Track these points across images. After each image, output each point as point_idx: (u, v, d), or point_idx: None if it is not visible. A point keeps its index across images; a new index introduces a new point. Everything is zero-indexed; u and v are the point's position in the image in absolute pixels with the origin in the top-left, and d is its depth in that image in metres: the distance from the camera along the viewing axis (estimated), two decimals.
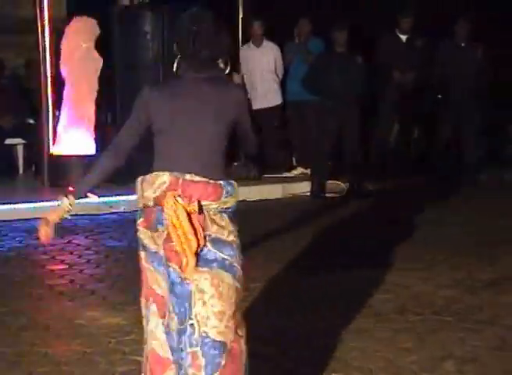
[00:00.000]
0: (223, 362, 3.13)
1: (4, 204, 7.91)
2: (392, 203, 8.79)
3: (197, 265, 3.13)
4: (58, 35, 9.00)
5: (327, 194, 9.13)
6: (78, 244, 6.93)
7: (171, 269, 3.17)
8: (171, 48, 9.70)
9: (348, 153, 9.02)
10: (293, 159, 9.99)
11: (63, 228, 7.46)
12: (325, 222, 7.84)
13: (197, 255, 3.13)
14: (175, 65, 3.45)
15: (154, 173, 3.30)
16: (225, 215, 3.31)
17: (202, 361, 3.13)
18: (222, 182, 3.31)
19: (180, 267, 3.14)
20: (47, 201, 8.06)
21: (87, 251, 6.68)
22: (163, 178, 3.25)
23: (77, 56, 8.88)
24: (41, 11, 8.68)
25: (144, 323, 3.37)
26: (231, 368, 3.15)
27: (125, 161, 3.46)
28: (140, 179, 3.34)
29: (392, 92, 9.68)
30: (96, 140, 8.92)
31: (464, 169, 9.73)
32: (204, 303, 3.14)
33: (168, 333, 3.23)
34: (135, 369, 4.23)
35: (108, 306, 5.23)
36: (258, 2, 9.72)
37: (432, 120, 9.80)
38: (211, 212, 3.25)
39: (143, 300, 3.39)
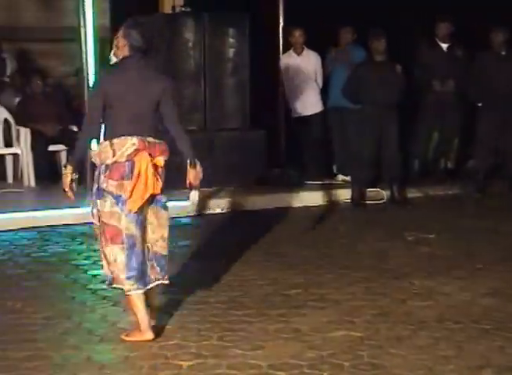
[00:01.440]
0: (166, 266, 4.89)
1: (48, 209, 8.02)
2: (431, 212, 8.77)
3: (148, 204, 4.72)
4: (101, 44, 9.12)
5: (367, 202, 9.13)
6: None
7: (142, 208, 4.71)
8: (212, 55, 9.97)
9: (388, 161, 9.02)
10: (334, 167, 10.01)
11: None
12: (365, 229, 7.85)
13: (152, 197, 4.71)
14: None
15: (122, 137, 4.62)
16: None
17: (157, 268, 4.85)
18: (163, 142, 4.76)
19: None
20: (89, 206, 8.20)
21: None
22: (133, 140, 4.63)
23: None
24: (85, 19, 8.80)
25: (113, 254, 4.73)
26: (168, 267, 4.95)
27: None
28: (107, 143, 4.66)
29: (432, 101, 9.66)
30: None
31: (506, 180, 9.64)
32: (153, 231, 4.81)
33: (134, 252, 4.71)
34: (178, 374, 4.30)
35: (151, 311, 5.28)
36: (299, 11, 9.77)
37: (471, 130, 9.74)
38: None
39: (114, 245, 4.72)
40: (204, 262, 6.58)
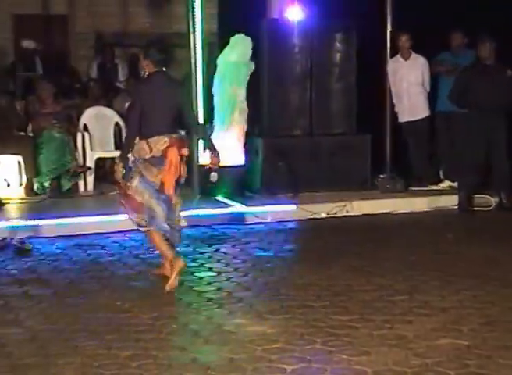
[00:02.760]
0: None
1: None
2: None
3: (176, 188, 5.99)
4: (209, 49, 9.25)
5: (475, 208, 8.95)
6: (225, 253, 7.08)
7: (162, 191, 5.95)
8: (319, 60, 9.97)
9: (496, 167, 8.82)
10: (440, 172, 9.85)
11: (212, 237, 7.68)
12: (473, 236, 7.70)
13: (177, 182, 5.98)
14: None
15: (155, 137, 5.87)
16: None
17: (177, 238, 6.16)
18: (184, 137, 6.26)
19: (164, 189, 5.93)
20: (198, 209, 8.32)
21: (234, 260, 6.83)
22: (165, 138, 5.89)
23: (227, 69, 9.10)
24: (194, 25, 8.94)
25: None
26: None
27: None
28: (143, 141, 5.87)
29: None
30: (245, 151, 9.10)
31: None
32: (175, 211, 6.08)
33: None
34: None
35: (254, 314, 5.33)
36: (407, 15, 9.66)
37: None
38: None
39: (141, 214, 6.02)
40: (308, 266, 6.57)
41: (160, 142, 5.91)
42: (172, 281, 5.91)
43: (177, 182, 6.05)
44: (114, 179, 6.19)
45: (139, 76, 10.85)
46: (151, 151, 5.90)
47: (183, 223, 6.36)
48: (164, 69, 6.07)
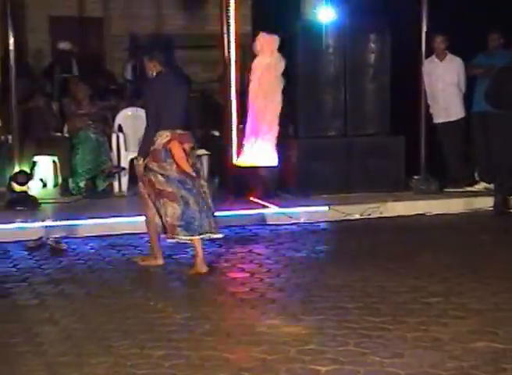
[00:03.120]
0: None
1: None
2: None
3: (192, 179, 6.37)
4: (243, 50, 9.26)
5: (511, 210, 8.85)
6: (259, 254, 7.08)
7: (186, 179, 6.32)
8: (353, 61, 9.97)
9: None
10: (476, 174, 9.76)
11: (245, 238, 7.68)
12: (509, 238, 7.62)
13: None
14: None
15: (160, 132, 6.27)
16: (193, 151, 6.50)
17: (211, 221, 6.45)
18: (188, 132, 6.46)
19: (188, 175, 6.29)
20: (230, 210, 8.34)
21: (267, 261, 6.82)
22: (166, 133, 6.29)
23: (260, 70, 9.09)
24: (227, 26, 8.95)
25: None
26: None
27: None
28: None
29: None
30: (278, 152, 9.09)
31: None
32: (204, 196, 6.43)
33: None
34: None
35: (287, 315, 5.31)
36: (443, 16, 9.59)
37: None
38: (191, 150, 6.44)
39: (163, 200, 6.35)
40: (341, 268, 6.55)
41: (162, 136, 6.30)
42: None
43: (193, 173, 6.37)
44: (137, 175, 6.60)
45: None
46: (153, 144, 6.30)
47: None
48: (170, 69, 6.60)
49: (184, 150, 6.34)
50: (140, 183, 6.53)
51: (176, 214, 6.30)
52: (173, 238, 6.39)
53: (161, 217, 6.40)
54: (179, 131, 6.36)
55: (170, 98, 6.36)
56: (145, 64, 6.61)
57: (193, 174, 6.35)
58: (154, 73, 6.51)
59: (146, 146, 6.40)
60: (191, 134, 6.49)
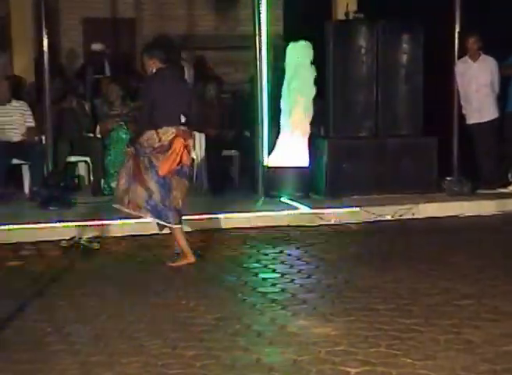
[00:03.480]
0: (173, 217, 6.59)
1: (220, 213, 8.19)
2: None
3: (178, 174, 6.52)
4: (275, 51, 9.26)
5: None
6: (289, 254, 7.07)
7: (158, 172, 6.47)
8: (385, 61, 9.93)
9: None
10: (509, 175, 9.68)
11: (275, 239, 7.67)
12: None
13: (180, 168, 6.50)
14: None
15: (164, 128, 6.41)
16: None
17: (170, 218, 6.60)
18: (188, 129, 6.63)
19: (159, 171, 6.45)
20: (261, 211, 8.34)
21: (298, 262, 6.80)
22: (172, 129, 6.44)
23: (293, 70, 9.10)
24: (259, 27, 8.95)
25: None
26: None
27: None
28: (153, 132, 6.41)
29: None
30: (309, 152, 9.08)
31: None
32: (175, 192, 6.52)
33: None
34: None
35: (318, 316, 5.30)
36: (477, 16, 9.52)
37: None
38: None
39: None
40: (372, 269, 6.52)
41: (168, 132, 6.44)
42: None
43: (180, 170, 6.52)
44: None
45: (205, 78, 10.98)
46: (159, 140, 6.43)
47: (179, 205, 6.62)
48: (171, 65, 6.73)
49: (186, 147, 6.51)
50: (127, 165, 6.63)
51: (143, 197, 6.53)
52: (132, 210, 6.60)
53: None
54: (182, 128, 6.53)
55: (170, 94, 6.48)
56: (145, 61, 6.67)
57: (164, 172, 6.48)
58: (154, 70, 6.58)
59: (137, 137, 6.57)
60: (190, 132, 6.68)
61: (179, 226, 6.63)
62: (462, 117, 9.73)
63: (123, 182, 6.60)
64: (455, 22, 9.44)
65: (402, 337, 4.87)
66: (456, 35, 9.48)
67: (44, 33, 8.70)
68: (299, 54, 9.09)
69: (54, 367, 4.47)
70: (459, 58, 9.70)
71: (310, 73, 9.06)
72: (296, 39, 9.21)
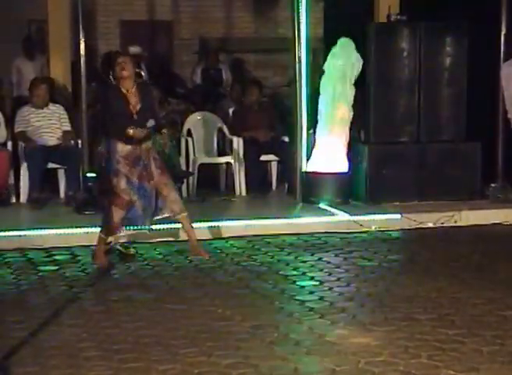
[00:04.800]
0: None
1: (258, 219, 8.10)
2: None
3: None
4: (314, 54, 9.15)
5: None
6: (328, 262, 6.94)
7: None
8: (428, 64, 9.73)
9: None
10: None
11: (314, 246, 7.56)
12: None
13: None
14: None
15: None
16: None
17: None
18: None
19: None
20: (300, 217, 8.23)
21: (337, 269, 6.68)
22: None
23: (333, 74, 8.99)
24: (298, 29, 8.85)
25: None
26: None
27: None
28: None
29: None
30: (349, 158, 8.95)
31: None
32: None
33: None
34: None
35: (358, 325, 5.19)
36: None
37: None
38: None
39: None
40: (414, 277, 6.39)
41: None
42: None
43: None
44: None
45: (243, 81, 10.91)
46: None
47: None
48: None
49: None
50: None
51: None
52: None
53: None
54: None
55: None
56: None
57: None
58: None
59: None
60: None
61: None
62: (507, 122, 9.51)
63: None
64: (500, 23, 9.25)
65: (444, 347, 4.75)
66: (502, 37, 9.29)
67: (81, 36, 8.67)
68: (343, 54, 8.95)
69: (87, 373, 4.44)
70: (504, 60, 9.50)
71: (352, 75, 8.92)
72: (336, 43, 9.09)
